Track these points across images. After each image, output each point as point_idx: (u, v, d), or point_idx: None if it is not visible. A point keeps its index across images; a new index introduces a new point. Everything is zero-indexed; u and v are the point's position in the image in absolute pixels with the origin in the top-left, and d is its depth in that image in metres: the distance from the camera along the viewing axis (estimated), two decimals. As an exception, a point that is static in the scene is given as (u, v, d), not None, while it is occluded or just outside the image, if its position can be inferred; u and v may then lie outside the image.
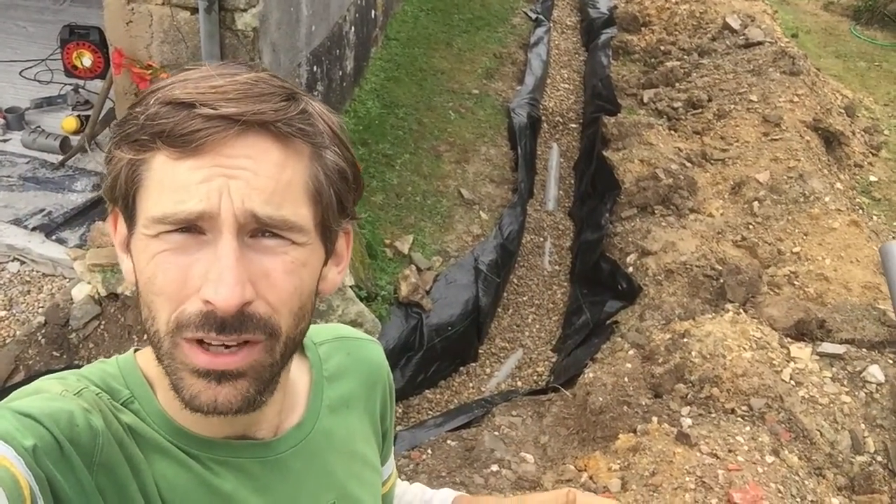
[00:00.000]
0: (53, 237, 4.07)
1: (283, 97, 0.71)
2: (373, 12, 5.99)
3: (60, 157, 4.60)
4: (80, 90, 5.10)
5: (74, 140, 4.69)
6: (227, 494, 0.80)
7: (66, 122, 4.75)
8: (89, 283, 3.63)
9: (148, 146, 0.70)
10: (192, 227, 0.69)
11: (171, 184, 0.69)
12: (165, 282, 0.70)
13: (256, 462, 0.83)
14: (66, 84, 5.13)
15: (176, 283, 0.69)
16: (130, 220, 0.74)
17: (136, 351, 0.84)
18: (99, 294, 3.62)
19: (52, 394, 0.73)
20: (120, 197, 0.74)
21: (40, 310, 3.76)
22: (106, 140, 4.84)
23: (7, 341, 3.62)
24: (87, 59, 4.91)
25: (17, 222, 4.14)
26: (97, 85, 4.86)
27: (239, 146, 0.69)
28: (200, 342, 0.70)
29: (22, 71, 5.38)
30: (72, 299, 3.67)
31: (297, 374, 0.91)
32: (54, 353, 3.53)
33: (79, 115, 4.79)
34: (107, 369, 0.81)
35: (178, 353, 0.71)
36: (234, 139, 0.68)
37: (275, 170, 0.70)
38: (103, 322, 3.59)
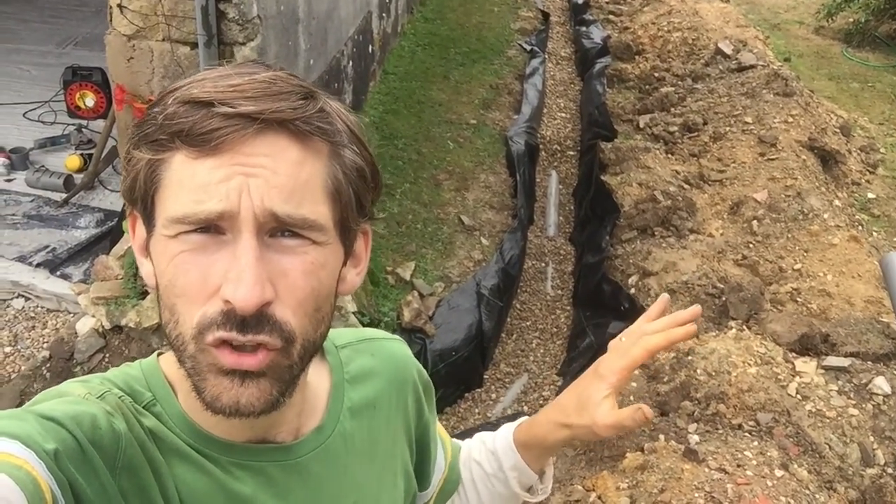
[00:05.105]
0: (58, 273, 4.11)
1: (301, 96, 0.71)
2: (370, 47, 6.09)
3: (64, 195, 4.66)
4: (83, 130, 5.17)
5: (78, 178, 4.75)
6: (247, 498, 0.79)
7: (69, 160, 4.81)
8: (93, 316, 3.65)
9: (167, 146, 0.69)
10: (212, 226, 0.68)
11: (189, 183, 0.68)
12: (186, 283, 0.69)
13: (276, 466, 0.82)
14: (69, 124, 5.21)
15: (197, 283, 0.69)
16: (149, 221, 0.73)
17: (158, 354, 0.84)
18: (103, 327, 3.63)
19: (74, 397, 0.73)
20: (139, 198, 0.73)
21: (45, 345, 3.77)
22: (108, 178, 4.90)
23: (12, 377, 3.62)
24: (89, 100, 4.98)
25: (22, 259, 4.19)
26: (100, 125, 4.92)
27: (257, 144, 0.68)
28: (227, 342, 0.69)
29: (26, 112, 5.48)
30: (76, 333, 3.68)
31: (317, 377, 0.90)
32: (59, 386, 3.53)
33: (82, 154, 4.86)
34: (130, 372, 0.81)
35: (204, 356, 0.70)
36: (253, 137, 0.68)
37: (293, 168, 0.69)
38: (108, 354, 3.59)
